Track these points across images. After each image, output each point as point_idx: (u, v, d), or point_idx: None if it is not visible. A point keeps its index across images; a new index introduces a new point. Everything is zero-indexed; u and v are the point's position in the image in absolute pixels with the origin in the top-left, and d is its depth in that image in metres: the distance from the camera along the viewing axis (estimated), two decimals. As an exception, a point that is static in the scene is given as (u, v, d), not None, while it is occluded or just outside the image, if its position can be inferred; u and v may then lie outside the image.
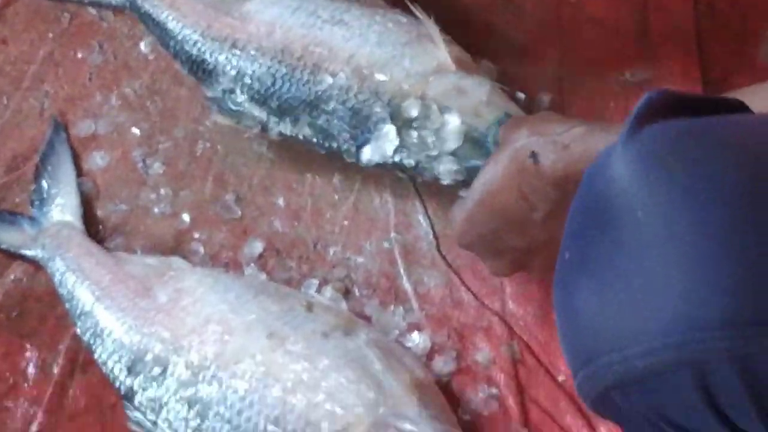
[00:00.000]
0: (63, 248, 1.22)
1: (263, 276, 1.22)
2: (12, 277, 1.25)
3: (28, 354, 1.21)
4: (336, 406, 1.05)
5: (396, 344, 1.16)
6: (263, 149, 1.29)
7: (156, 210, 1.28)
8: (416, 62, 1.20)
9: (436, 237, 1.23)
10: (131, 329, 1.15)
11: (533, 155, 0.96)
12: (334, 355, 1.09)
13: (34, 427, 1.17)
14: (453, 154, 1.16)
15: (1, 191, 1.30)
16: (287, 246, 1.25)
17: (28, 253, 1.24)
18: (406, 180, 1.25)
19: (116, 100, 1.34)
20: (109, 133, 1.33)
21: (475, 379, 1.16)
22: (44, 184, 1.28)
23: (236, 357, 1.09)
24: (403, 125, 1.18)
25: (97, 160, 1.31)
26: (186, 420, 1.09)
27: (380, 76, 1.20)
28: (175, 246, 1.25)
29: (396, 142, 1.18)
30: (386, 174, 1.24)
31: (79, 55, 1.38)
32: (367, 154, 1.20)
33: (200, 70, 1.27)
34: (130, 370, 1.13)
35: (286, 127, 1.23)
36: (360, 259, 1.23)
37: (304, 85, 1.22)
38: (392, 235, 1.24)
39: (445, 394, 1.13)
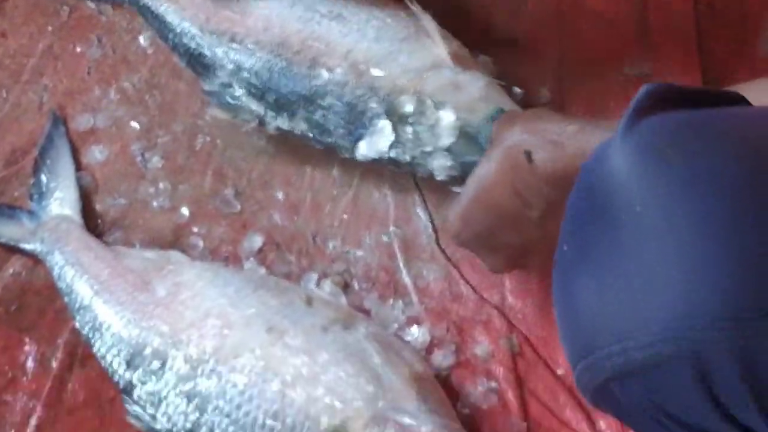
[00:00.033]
0: (62, 242, 1.22)
1: (262, 270, 1.22)
2: (11, 270, 1.25)
3: (27, 348, 1.21)
4: (335, 400, 1.05)
5: (395, 338, 1.16)
6: (262, 143, 1.29)
7: (155, 204, 1.28)
8: (413, 58, 1.20)
9: (435, 230, 1.23)
10: (130, 323, 1.14)
11: (527, 153, 0.96)
12: (334, 349, 1.09)
13: (33, 421, 1.17)
14: (448, 149, 1.16)
15: (0, 185, 1.30)
16: (286, 240, 1.25)
17: (27, 246, 1.24)
18: (405, 174, 1.24)
19: (115, 94, 1.34)
20: (108, 127, 1.33)
21: (474, 372, 1.16)
22: (43, 177, 1.28)
23: (235, 351, 1.09)
24: (399, 121, 1.17)
25: (95, 154, 1.31)
26: (185, 414, 1.09)
27: (377, 72, 1.19)
28: (174, 240, 1.25)
29: (391, 137, 1.18)
30: (385, 168, 1.24)
31: (78, 49, 1.38)
32: (363, 150, 1.20)
33: (198, 64, 1.27)
34: (129, 364, 1.13)
35: (283, 122, 1.23)
36: (359, 253, 1.23)
37: (301, 79, 1.22)
38: (391, 228, 1.24)
39: (444, 388, 1.13)
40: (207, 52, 1.26)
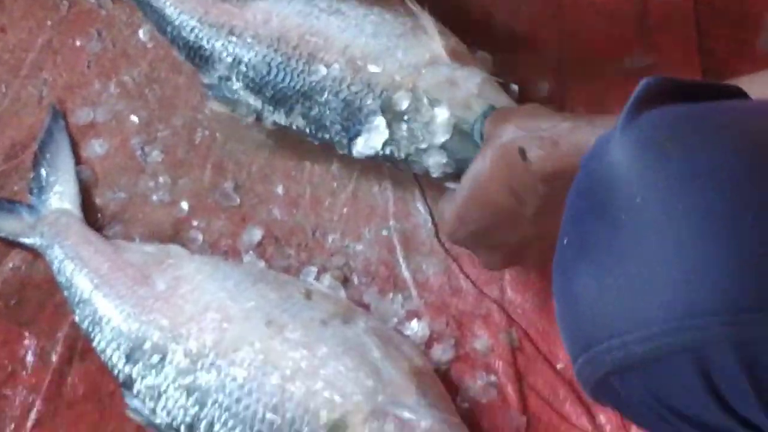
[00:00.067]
0: (61, 236, 1.22)
1: (262, 264, 1.22)
2: (10, 265, 1.25)
3: (26, 342, 1.21)
4: (334, 394, 1.05)
5: (395, 332, 1.16)
6: (262, 137, 1.29)
7: (155, 198, 1.28)
8: (410, 54, 1.20)
9: (435, 225, 1.23)
10: (130, 317, 1.14)
11: (521, 151, 0.96)
12: (333, 343, 1.09)
13: (32, 415, 1.17)
14: (442, 147, 1.16)
15: (0, 179, 1.30)
16: (286, 234, 1.25)
17: (27, 241, 1.24)
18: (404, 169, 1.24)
19: (115, 88, 1.34)
20: (108, 121, 1.33)
21: (473, 366, 1.16)
22: (43, 172, 1.28)
23: (235, 345, 1.09)
24: (394, 118, 1.17)
25: (95, 148, 1.31)
26: (185, 408, 1.09)
27: (373, 68, 1.19)
28: (174, 234, 1.25)
29: (386, 134, 1.18)
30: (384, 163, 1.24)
31: (78, 43, 1.38)
32: (359, 147, 1.20)
33: (197, 57, 1.27)
34: (129, 358, 1.13)
35: (280, 117, 1.23)
36: (359, 247, 1.23)
37: (298, 75, 1.22)
38: (391, 222, 1.24)
39: (443, 382, 1.13)
40: (206, 45, 1.26)
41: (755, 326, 0.59)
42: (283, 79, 1.22)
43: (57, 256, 1.21)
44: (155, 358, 1.12)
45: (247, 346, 1.09)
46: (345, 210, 1.26)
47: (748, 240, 0.60)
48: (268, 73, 1.23)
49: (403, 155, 1.18)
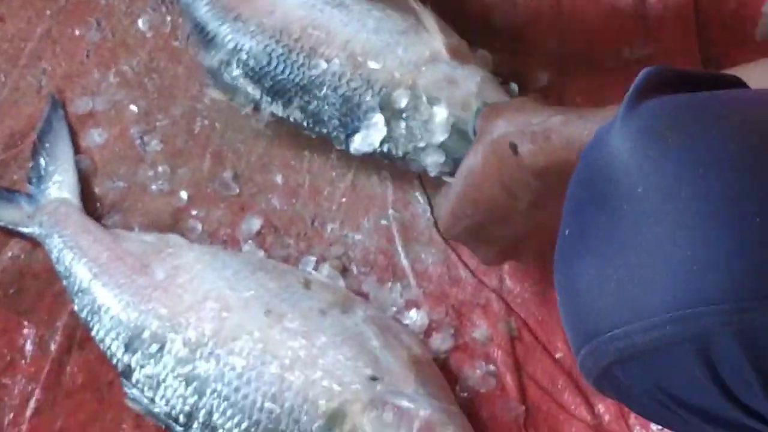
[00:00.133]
0: (60, 225, 1.22)
1: (261, 253, 1.22)
2: (9, 254, 1.25)
3: (25, 331, 1.21)
4: (333, 383, 1.05)
5: (393, 321, 1.16)
6: (261, 127, 1.29)
7: (154, 187, 1.27)
8: (410, 51, 1.20)
9: (433, 214, 1.23)
10: (129, 306, 1.15)
11: (513, 146, 0.96)
12: (332, 332, 1.09)
13: (31, 404, 1.17)
14: (440, 146, 1.16)
15: (-1, 168, 1.30)
16: (285, 223, 1.25)
17: (26, 230, 1.24)
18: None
19: (114, 78, 1.34)
20: (107, 110, 1.32)
21: (472, 356, 1.16)
22: (42, 161, 1.28)
23: (234, 334, 1.09)
24: (392, 115, 1.17)
25: (94, 137, 1.31)
26: (183, 397, 1.09)
27: (373, 64, 1.19)
28: (173, 223, 1.25)
29: (384, 132, 1.18)
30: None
31: (77, 33, 1.37)
32: (356, 144, 1.20)
33: (201, 36, 1.27)
34: (128, 347, 1.13)
35: (277, 109, 1.23)
36: (358, 237, 1.23)
37: (298, 68, 1.22)
38: (390, 212, 1.24)
39: (442, 371, 1.13)
40: (211, 26, 1.26)
41: (758, 314, 0.60)
42: (283, 71, 1.22)
43: (56, 245, 1.21)
44: (154, 347, 1.12)
45: (246, 335, 1.09)
46: (344, 199, 1.26)
47: (749, 228, 0.61)
48: (268, 63, 1.22)
49: (400, 153, 1.18)
